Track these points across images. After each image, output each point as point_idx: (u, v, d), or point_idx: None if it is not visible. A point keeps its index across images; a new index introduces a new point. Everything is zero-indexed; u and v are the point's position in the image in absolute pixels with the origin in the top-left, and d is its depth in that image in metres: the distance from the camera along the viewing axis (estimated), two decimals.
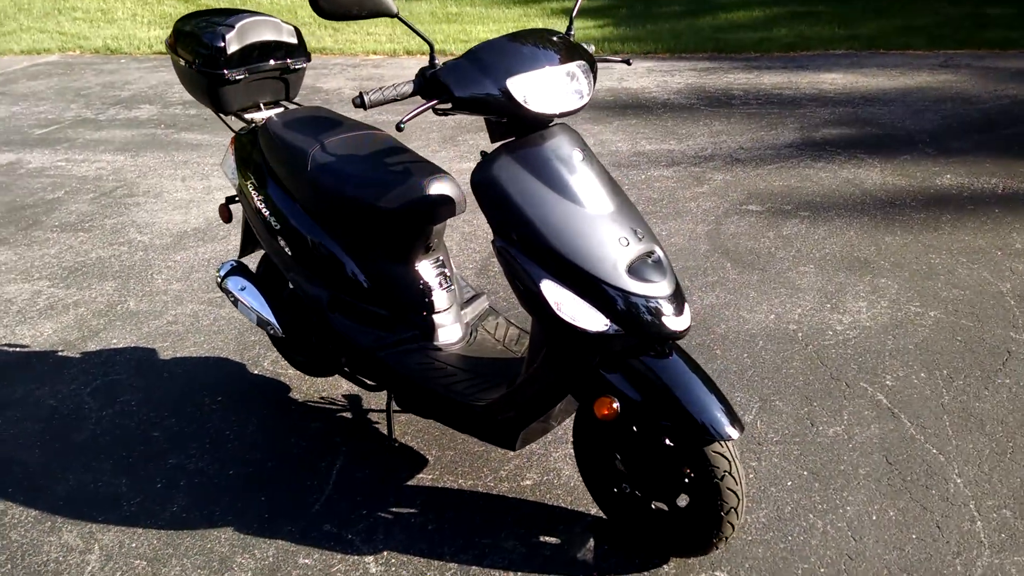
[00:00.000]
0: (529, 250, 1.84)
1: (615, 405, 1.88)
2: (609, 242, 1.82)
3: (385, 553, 2.14)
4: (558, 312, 1.81)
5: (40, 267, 4.04)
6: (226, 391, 2.90)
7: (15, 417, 2.82)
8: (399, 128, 1.73)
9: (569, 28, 2.05)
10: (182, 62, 2.54)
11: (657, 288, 1.82)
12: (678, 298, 1.86)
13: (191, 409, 2.81)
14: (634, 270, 1.82)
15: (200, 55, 2.47)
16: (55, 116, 7.13)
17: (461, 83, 1.80)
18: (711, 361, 2.95)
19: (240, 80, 2.51)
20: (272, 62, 2.56)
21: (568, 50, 1.92)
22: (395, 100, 1.84)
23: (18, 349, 3.27)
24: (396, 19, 1.79)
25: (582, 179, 1.86)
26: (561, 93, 1.85)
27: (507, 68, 1.80)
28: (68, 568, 2.14)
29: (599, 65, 2.28)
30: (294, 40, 2.60)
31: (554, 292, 1.81)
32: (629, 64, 2.22)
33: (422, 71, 1.85)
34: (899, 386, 2.76)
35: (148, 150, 6.01)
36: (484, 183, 1.87)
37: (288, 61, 2.60)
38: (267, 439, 2.63)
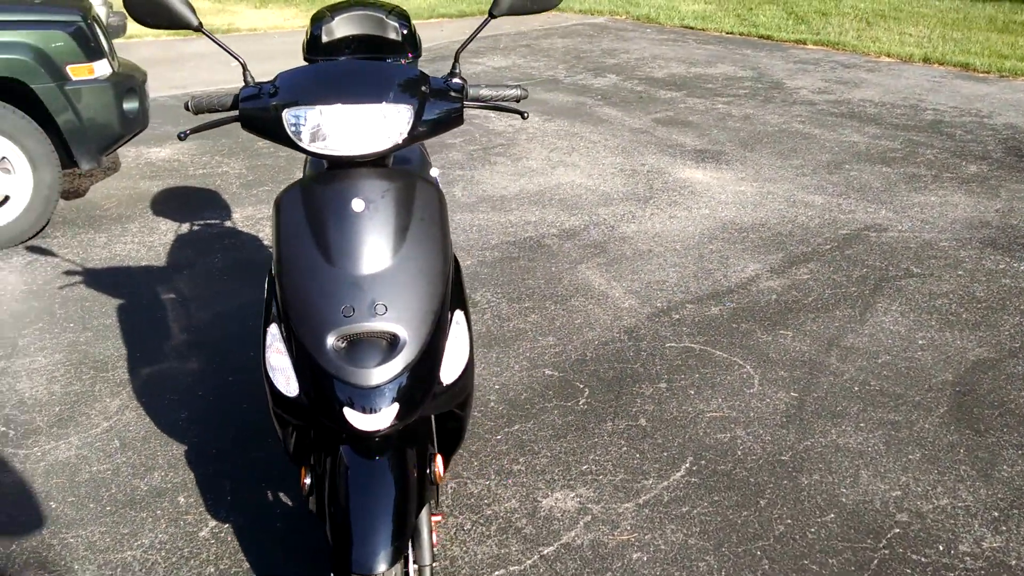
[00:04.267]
0: (275, 289, 1.74)
1: (306, 481, 1.71)
2: (331, 307, 1.62)
3: (227, 527, 2.28)
4: (267, 359, 1.70)
5: None
6: None
7: (237, 301, 3.54)
8: (180, 137, 1.78)
9: (453, 68, 1.81)
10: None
11: (355, 375, 1.57)
12: (386, 396, 1.58)
13: None
14: (348, 347, 1.60)
15: (306, 42, 2.72)
16: (532, 72, 8.03)
17: (252, 105, 1.76)
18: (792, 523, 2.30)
19: None
20: (368, 54, 2.68)
21: (398, 88, 1.70)
22: (215, 110, 1.86)
23: None
24: (201, 33, 1.80)
25: (347, 232, 1.66)
26: (351, 135, 1.67)
27: (293, 97, 1.70)
28: (102, 413, 2.73)
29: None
30: (397, 37, 2.67)
31: (273, 339, 1.70)
32: (525, 118, 1.84)
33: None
34: None
35: (564, 116, 6.45)
36: (274, 209, 1.81)
37: (386, 57, 2.69)
38: None
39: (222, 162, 5.38)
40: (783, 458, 2.51)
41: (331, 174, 1.73)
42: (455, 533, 2.22)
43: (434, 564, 1.83)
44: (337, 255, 1.64)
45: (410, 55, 2.70)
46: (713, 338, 3.19)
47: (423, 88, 1.74)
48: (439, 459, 1.75)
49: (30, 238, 4.19)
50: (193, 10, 1.76)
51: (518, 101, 1.91)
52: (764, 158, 5.37)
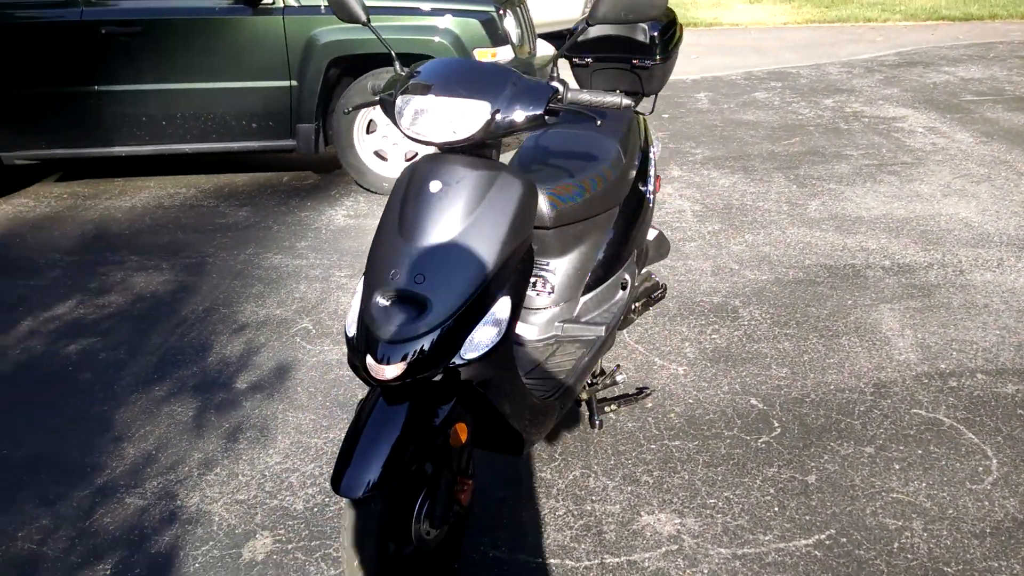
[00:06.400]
0: None
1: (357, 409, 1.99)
2: (385, 269, 1.86)
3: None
4: (351, 303, 2.00)
5: (691, 191, 4.78)
6: None
7: None
8: (344, 113, 2.14)
9: (551, 71, 1.89)
10: None
11: (379, 328, 1.80)
12: (399, 352, 1.78)
13: None
14: (389, 305, 1.84)
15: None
16: (1006, 87, 6.93)
17: (386, 91, 2.03)
18: None
19: (587, 65, 2.84)
20: (615, 54, 2.77)
21: (484, 87, 1.86)
22: (378, 92, 2.15)
23: None
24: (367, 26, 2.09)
25: (421, 208, 1.88)
26: (436, 124, 1.87)
27: (414, 85, 1.93)
28: None
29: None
30: (644, 39, 2.71)
31: (358, 289, 2.01)
32: (599, 124, 1.80)
33: None
34: None
35: (1008, 140, 5.59)
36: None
37: (632, 57, 2.74)
38: None
39: None
40: (946, 569, 2.08)
41: (430, 156, 1.96)
42: (545, 514, 2.32)
43: (450, 518, 1.99)
44: (406, 226, 1.89)
45: (658, 57, 2.74)
46: (977, 418, 2.66)
47: (509, 89, 1.86)
48: (462, 427, 1.91)
49: None
50: (364, 8, 2.10)
51: (619, 109, 1.91)
52: None
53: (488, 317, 1.85)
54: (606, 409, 2.69)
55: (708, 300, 3.51)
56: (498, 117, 1.85)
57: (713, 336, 3.22)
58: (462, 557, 2.17)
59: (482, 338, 1.84)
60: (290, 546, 2.24)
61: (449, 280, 1.82)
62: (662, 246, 2.92)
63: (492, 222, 1.87)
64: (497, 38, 4.84)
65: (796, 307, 3.42)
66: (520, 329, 2.48)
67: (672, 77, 7.90)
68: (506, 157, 4.21)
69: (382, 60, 4.87)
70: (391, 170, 5.01)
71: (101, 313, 3.62)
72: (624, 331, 3.27)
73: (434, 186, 1.88)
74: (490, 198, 1.88)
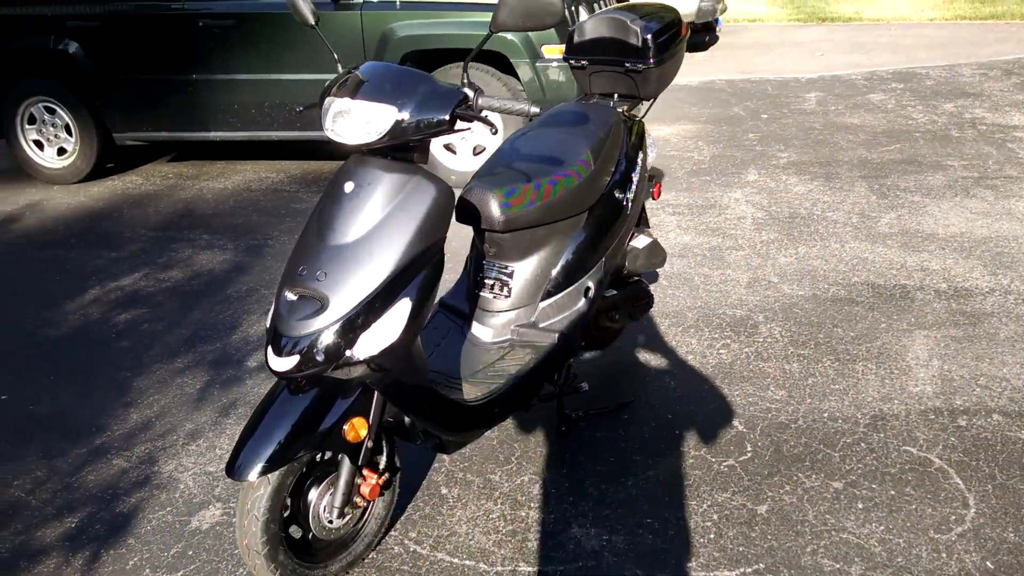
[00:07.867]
0: None
1: None
2: (296, 265, 1.94)
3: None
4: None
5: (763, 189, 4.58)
6: None
7: None
8: (296, 111, 2.22)
9: (462, 77, 1.89)
10: None
11: (281, 321, 1.88)
12: (294, 346, 1.85)
13: None
14: (293, 299, 1.91)
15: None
16: None
17: (326, 91, 2.09)
18: None
19: (583, 67, 2.79)
20: (608, 57, 2.70)
21: (392, 91, 1.88)
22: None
23: None
24: (314, 29, 2.14)
25: (334, 208, 1.93)
26: (352, 126, 1.92)
27: (341, 87, 1.98)
28: None
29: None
30: (636, 42, 2.64)
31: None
32: (493, 133, 1.78)
33: None
34: None
35: None
36: None
37: (624, 60, 2.67)
38: None
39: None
40: None
41: (354, 157, 2.02)
42: (479, 516, 2.34)
43: (347, 510, 2.05)
44: (320, 225, 1.96)
45: (651, 60, 2.67)
46: (973, 462, 2.44)
47: (418, 94, 1.89)
48: (359, 421, 1.96)
49: None
50: (313, 11, 2.16)
51: (529, 119, 1.89)
52: None
53: (385, 317, 1.88)
54: (572, 416, 2.67)
55: (731, 313, 3.38)
56: (405, 120, 1.88)
57: (720, 351, 3.11)
58: (382, 547, 2.23)
59: (377, 338, 1.88)
60: (236, 519, 2.37)
61: (348, 279, 1.87)
62: (655, 255, 2.84)
63: (399, 224, 1.90)
64: (566, 35, 4.81)
65: (822, 327, 3.24)
66: (475, 330, 2.50)
67: (786, 75, 7.58)
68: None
69: (456, 54, 4.96)
70: (459, 163, 5.10)
71: (159, 287, 3.92)
72: (631, 337, 3.21)
73: (348, 187, 1.93)
74: (400, 201, 1.91)
